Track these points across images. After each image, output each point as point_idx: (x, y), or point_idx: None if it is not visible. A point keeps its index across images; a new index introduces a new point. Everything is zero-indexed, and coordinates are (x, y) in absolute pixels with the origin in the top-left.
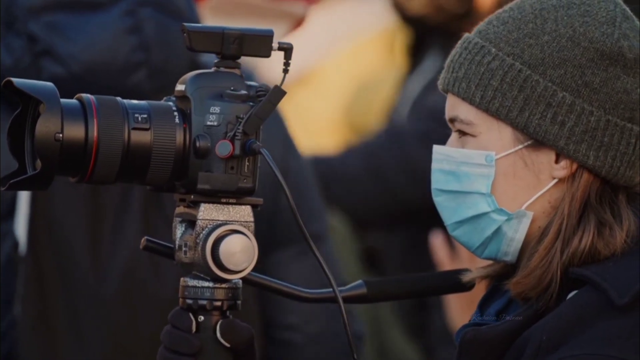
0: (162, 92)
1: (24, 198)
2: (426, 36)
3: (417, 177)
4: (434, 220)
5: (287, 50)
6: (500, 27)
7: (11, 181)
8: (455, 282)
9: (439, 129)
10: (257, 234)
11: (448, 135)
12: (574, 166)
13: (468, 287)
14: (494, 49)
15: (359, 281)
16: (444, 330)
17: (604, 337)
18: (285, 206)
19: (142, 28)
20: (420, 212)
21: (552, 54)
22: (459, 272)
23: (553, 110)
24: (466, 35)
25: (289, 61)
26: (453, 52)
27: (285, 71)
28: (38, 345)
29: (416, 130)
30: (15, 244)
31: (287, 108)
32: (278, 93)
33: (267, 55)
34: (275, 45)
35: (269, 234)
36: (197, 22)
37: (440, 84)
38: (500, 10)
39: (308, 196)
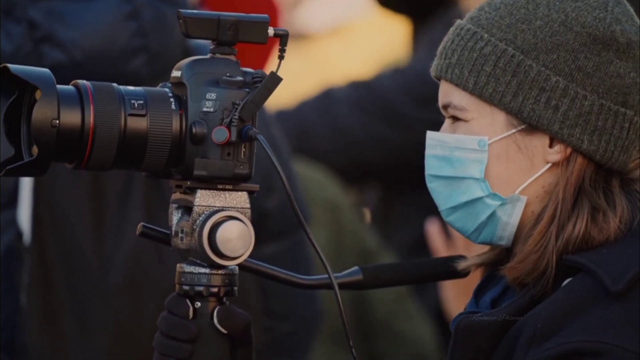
0: (161, 77)
1: (26, 187)
2: None
3: (344, 141)
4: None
5: (283, 36)
6: (493, 13)
7: (7, 167)
8: (450, 269)
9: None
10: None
11: (377, 104)
12: (568, 150)
13: (463, 274)
14: (486, 35)
15: (355, 267)
16: None
17: (599, 324)
18: (278, 198)
19: (140, 14)
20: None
21: (545, 39)
22: (454, 258)
23: (547, 94)
24: (458, 21)
25: (285, 47)
26: (445, 38)
27: (281, 57)
28: (43, 334)
29: (349, 97)
30: (19, 233)
31: (316, 59)
32: (274, 79)
33: (264, 41)
34: (271, 31)
35: (262, 226)
36: (191, 9)
37: (433, 70)
38: None
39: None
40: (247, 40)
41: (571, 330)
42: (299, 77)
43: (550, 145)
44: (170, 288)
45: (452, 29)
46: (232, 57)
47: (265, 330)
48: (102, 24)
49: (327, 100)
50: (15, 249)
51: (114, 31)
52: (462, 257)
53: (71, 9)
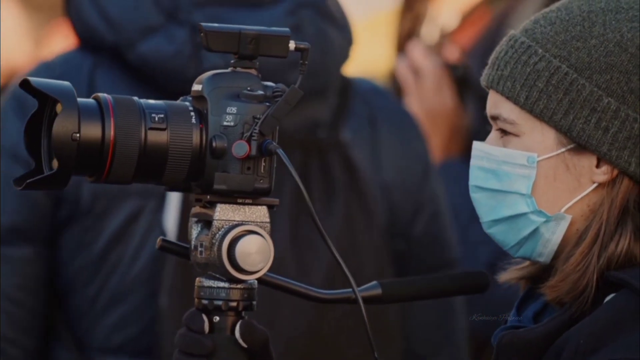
0: (318, 95)
1: None
2: None
3: None
4: None
5: (304, 50)
6: (548, 28)
7: (28, 181)
8: (470, 284)
9: None
10: (396, 259)
11: None
12: (615, 172)
13: (484, 288)
14: (540, 50)
15: (374, 282)
16: None
17: None
18: (425, 231)
19: (303, 28)
20: None
21: (599, 59)
22: (475, 273)
23: (597, 115)
24: (512, 32)
25: (306, 62)
26: (498, 48)
27: (302, 72)
28: None
29: None
30: (163, 235)
31: None
32: (295, 93)
33: (284, 55)
34: (292, 45)
35: (408, 261)
36: (350, 33)
37: (484, 80)
38: (547, 10)
39: (442, 223)
40: (268, 54)
41: (613, 348)
42: None
43: (598, 166)
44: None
45: (505, 39)
46: (253, 71)
47: None
48: None
49: None
50: (156, 251)
51: None
52: (482, 273)
53: (235, 16)
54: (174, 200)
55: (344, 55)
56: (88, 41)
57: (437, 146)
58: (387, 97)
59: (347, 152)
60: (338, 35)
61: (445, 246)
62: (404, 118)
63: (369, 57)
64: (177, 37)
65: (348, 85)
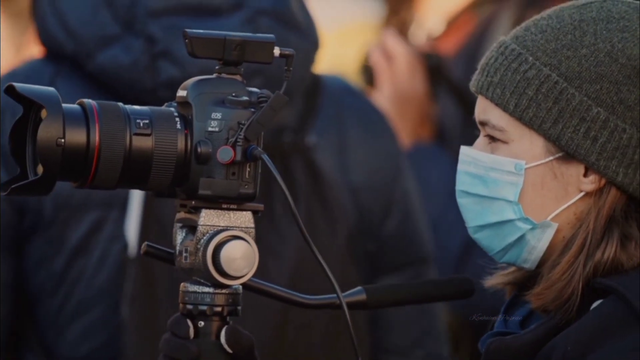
0: None
1: (136, 200)
2: None
3: None
4: None
5: (289, 57)
6: (538, 36)
7: (12, 186)
8: (455, 289)
9: None
10: (367, 258)
11: None
12: (602, 181)
13: (469, 293)
14: (531, 58)
15: (359, 288)
16: None
17: (628, 349)
18: (396, 230)
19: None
20: None
21: (590, 69)
22: (460, 279)
23: (587, 125)
24: (502, 39)
25: (291, 68)
26: (488, 54)
27: (287, 78)
28: (144, 347)
29: None
30: (125, 245)
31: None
32: (279, 99)
33: (269, 61)
34: (277, 51)
35: (380, 259)
36: (316, 38)
37: (473, 85)
38: (538, 17)
39: (414, 218)
40: (252, 60)
41: (600, 355)
42: None
43: (585, 175)
44: (274, 306)
45: (495, 46)
46: (238, 77)
47: None
48: None
49: None
50: (118, 256)
51: None
52: (467, 279)
53: (191, 26)
54: (135, 210)
55: (308, 60)
56: (50, 50)
57: (406, 130)
58: (357, 95)
59: (311, 156)
60: (301, 40)
61: (419, 243)
62: (374, 116)
63: (342, 62)
64: (133, 47)
65: (318, 85)
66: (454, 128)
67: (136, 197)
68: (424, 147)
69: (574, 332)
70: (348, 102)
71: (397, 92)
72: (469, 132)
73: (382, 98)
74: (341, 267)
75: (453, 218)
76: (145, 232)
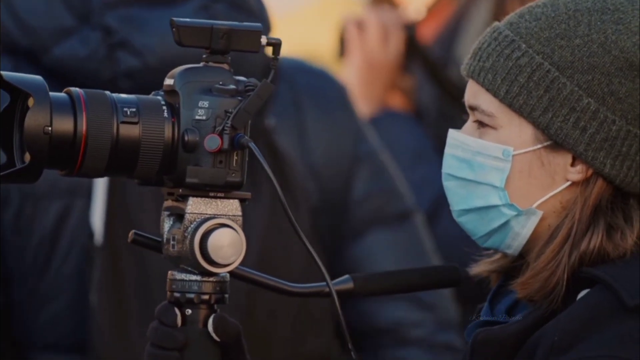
0: None
1: (100, 188)
2: None
3: None
4: None
5: (276, 45)
6: (533, 23)
7: None
8: (443, 278)
9: None
10: (328, 229)
11: None
12: (589, 172)
13: (457, 282)
14: (524, 45)
15: (346, 276)
16: None
17: (615, 339)
18: (359, 191)
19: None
20: None
21: (582, 59)
22: (447, 267)
23: (576, 114)
24: (496, 24)
25: (278, 57)
26: (481, 39)
27: (274, 67)
28: (113, 334)
29: None
30: (91, 233)
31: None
32: (266, 88)
33: (256, 50)
34: (263, 40)
35: (343, 228)
36: (268, 23)
37: (464, 69)
38: (533, 4)
39: (385, 177)
40: (239, 49)
41: (587, 345)
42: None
43: (573, 164)
44: (241, 290)
45: (488, 31)
46: (225, 66)
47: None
48: None
49: None
50: (86, 248)
51: None
52: (454, 268)
53: (147, 16)
54: (100, 198)
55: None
56: (6, 45)
57: (375, 97)
58: (312, 74)
59: (271, 138)
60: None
61: (398, 197)
62: (331, 93)
63: (317, 41)
64: (90, 39)
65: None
66: (431, 105)
67: (101, 185)
68: (392, 112)
69: (561, 322)
70: (304, 81)
71: (367, 59)
72: (446, 109)
73: (352, 65)
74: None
75: (418, 179)
76: (111, 219)
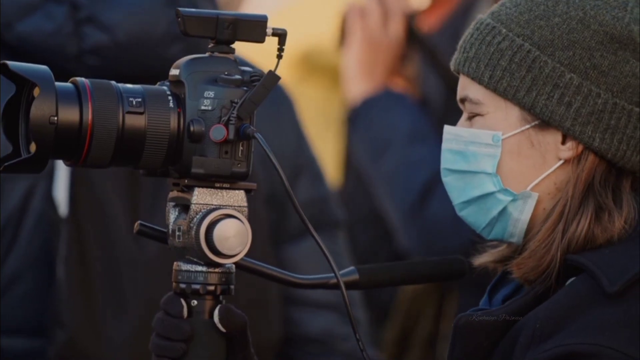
0: None
1: (62, 164)
2: None
3: None
4: None
5: (281, 35)
6: (513, 9)
7: (6, 164)
8: (448, 270)
9: None
10: (270, 226)
11: None
12: (580, 148)
13: (461, 274)
14: (504, 30)
15: (352, 268)
16: None
17: (595, 326)
18: (300, 197)
19: (178, 3)
20: None
21: (562, 36)
22: (451, 259)
23: (560, 91)
24: (479, 16)
25: (283, 47)
26: (466, 33)
27: (279, 57)
28: (79, 306)
29: None
30: (54, 205)
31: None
32: (272, 78)
33: (261, 40)
34: (269, 30)
35: (283, 226)
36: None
37: (452, 64)
38: None
39: (322, 186)
40: (245, 39)
41: (568, 332)
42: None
43: (563, 142)
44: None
45: (473, 24)
46: (231, 56)
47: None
48: (144, 8)
49: None
50: (50, 219)
51: (155, 16)
52: (459, 259)
53: None
54: (62, 176)
55: None
56: None
57: (375, 78)
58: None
59: None
60: (212, 8)
61: (331, 206)
62: (278, 99)
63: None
64: (56, 14)
65: None
66: (438, 98)
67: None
68: (392, 92)
69: (544, 310)
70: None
71: (367, 39)
72: (451, 99)
73: (353, 46)
74: (261, 241)
75: (416, 160)
76: (75, 191)
